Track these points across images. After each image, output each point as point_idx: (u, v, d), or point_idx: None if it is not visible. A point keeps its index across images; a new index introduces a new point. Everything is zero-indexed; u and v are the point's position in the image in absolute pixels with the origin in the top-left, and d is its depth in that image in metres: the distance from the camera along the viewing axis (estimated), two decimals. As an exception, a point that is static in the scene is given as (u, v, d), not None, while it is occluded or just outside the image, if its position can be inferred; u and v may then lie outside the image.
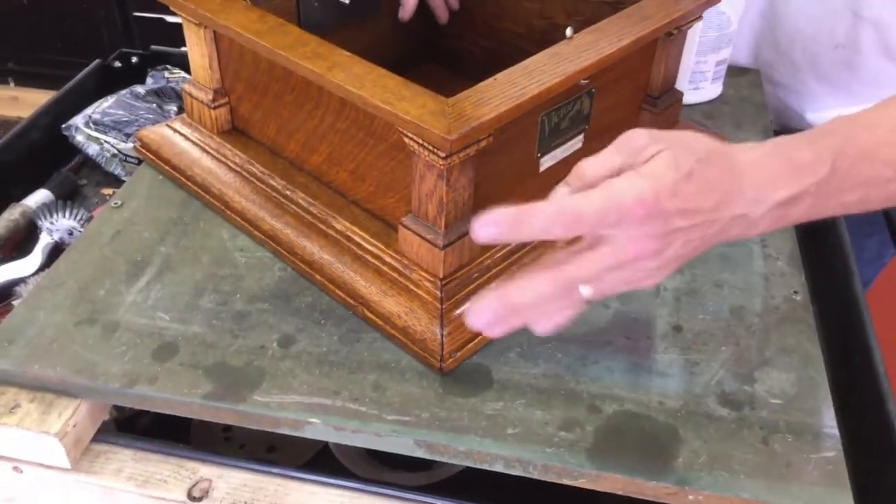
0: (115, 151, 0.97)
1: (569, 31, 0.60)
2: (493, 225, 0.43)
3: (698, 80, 0.86)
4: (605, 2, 0.70)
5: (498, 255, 0.60)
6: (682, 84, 0.81)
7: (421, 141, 0.51)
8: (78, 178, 0.97)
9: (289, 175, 0.66)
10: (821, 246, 0.75)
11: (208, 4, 0.62)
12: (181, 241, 0.67)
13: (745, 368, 0.57)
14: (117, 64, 1.09)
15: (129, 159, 0.97)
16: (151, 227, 0.68)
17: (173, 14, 0.66)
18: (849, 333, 0.65)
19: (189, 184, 0.71)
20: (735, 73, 0.93)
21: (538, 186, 0.63)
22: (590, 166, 0.45)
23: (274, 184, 0.66)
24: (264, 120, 0.68)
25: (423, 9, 0.82)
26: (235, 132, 0.72)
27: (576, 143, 0.65)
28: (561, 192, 0.46)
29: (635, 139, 0.46)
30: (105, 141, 0.97)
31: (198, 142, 0.72)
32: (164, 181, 0.73)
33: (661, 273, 0.46)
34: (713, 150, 0.46)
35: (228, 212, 0.68)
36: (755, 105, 0.89)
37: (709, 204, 0.44)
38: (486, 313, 0.45)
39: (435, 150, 0.50)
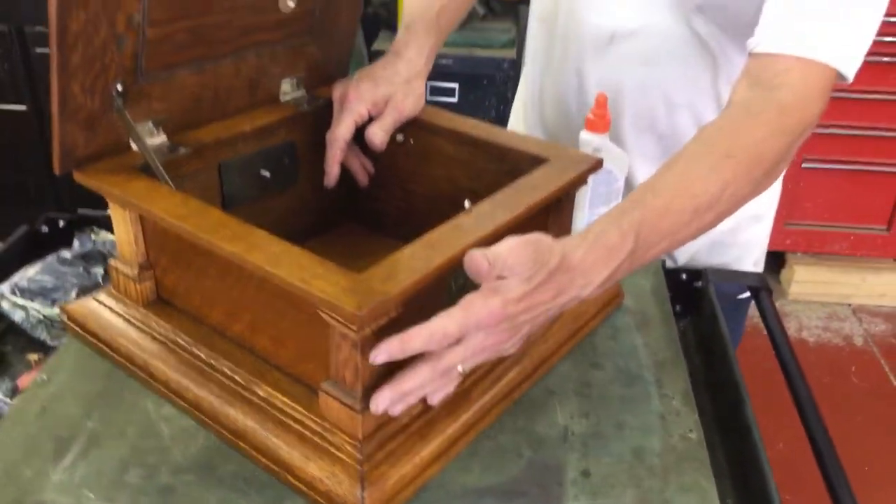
0: (41, 317, 0.97)
1: (467, 204, 0.65)
2: (385, 352, 0.55)
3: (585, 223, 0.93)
4: (502, 171, 0.76)
5: (414, 412, 0.62)
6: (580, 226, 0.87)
7: (335, 316, 0.54)
8: (2, 346, 0.96)
9: (212, 343, 0.68)
10: (717, 376, 0.80)
11: (134, 191, 0.65)
12: (107, 415, 0.67)
13: (648, 509, 0.60)
14: (45, 229, 1.10)
15: (54, 325, 0.98)
16: (77, 401, 0.68)
17: (100, 198, 0.69)
18: (742, 461, 0.69)
19: (114, 355, 0.72)
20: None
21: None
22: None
23: (198, 352, 0.68)
24: (188, 291, 0.71)
25: (343, 172, 0.87)
26: (160, 302, 0.74)
27: (482, 300, 0.69)
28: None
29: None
30: (31, 308, 0.97)
31: (123, 314, 0.73)
32: (90, 353, 0.74)
33: (517, 345, 0.60)
34: (560, 259, 0.58)
35: (153, 382, 0.69)
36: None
37: (548, 297, 0.58)
38: (385, 400, 0.57)
39: (348, 325, 0.53)
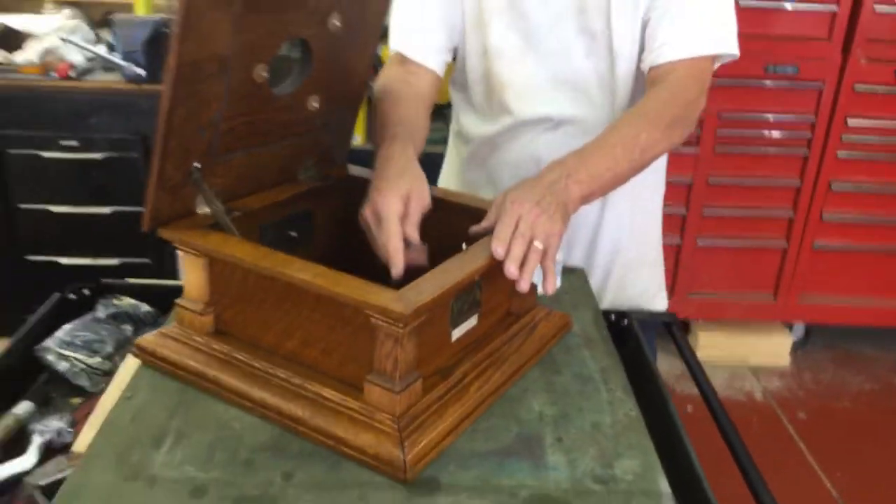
0: (83, 367, 1.14)
1: (464, 246, 0.88)
2: (514, 272, 0.87)
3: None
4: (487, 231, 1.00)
5: (432, 394, 0.83)
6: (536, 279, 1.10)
7: (385, 318, 0.75)
8: (49, 391, 1.12)
9: (268, 358, 0.88)
10: (643, 380, 1.03)
11: (212, 241, 0.86)
12: (187, 418, 0.85)
13: (606, 460, 0.82)
14: (72, 296, 1.27)
15: (95, 373, 1.14)
16: (160, 410, 0.86)
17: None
18: (668, 432, 0.92)
19: (185, 374, 0.90)
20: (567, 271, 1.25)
21: (451, 350, 0.89)
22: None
23: (257, 365, 0.87)
24: (244, 320, 0.90)
25: (343, 233, 1.08)
26: (218, 332, 0.93)
27: (473, 321, 0.92)
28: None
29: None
30: (74, 358, 1.14)
31: (189, 342, 0.92)
32: (161, 376, 0.92)
33: (553, 218, 0.90)
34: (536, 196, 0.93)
35: (222, 391, 0.87)
36: (583, 293, 1.20)
37: (536, 193, 0.92)
38: (516, 275, 0.87)
39: (395, 324, 0.75)
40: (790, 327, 3.07)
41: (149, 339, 0.95)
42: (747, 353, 2.97)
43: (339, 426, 0.81)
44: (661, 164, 1.35)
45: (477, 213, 0.97)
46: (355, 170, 1.13)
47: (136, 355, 0.95)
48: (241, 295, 0.89)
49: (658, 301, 1.40)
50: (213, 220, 0.90)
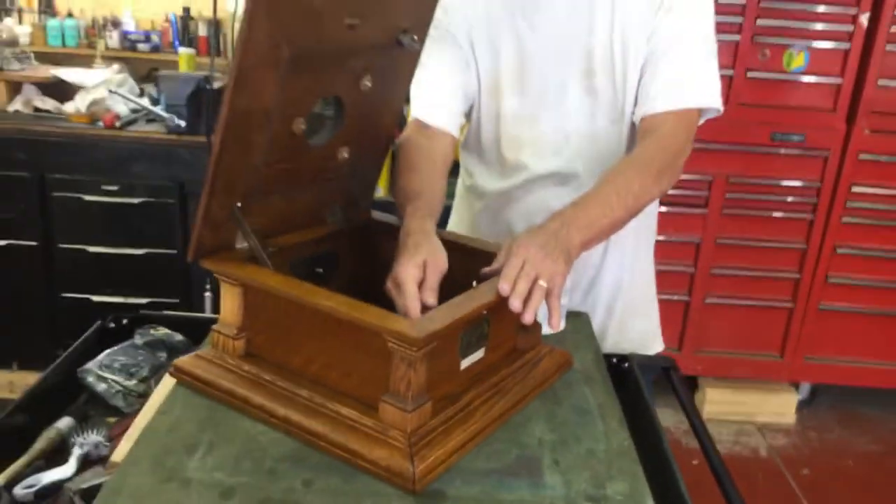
0: (120, 388, 1.22)
1: (475, 283, 0.97)
2: (517, 306, 0.94)
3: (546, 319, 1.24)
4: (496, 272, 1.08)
5: (441, 416, 0.90)
6: (542, 318, 1.18)
7: (400, 343, 0.83)
8: (87, 410, 1.20)
9: (293, 379, 0.96)
10: (639, 418, 1.10)
11: (249, 272, 0.95)
12: (217, 431, 0.93)
13: (599, 482, 0.89)
14: (112, 325, 1.36)
15: (130, 394, 1.22)
16: (193, 423, 0.94)
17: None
18: (660, 463, 0.99)
19: (217, 392, 0.98)
20: (571, 314, 1.33)
21: (460, 378, 0.96)
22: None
23: (283, 385, 0.95)
24: (273, 345, 0.98)
25: (364, 273, 1.17)
26: (249, 355, 1.01)
27: (480, 353, 1.00)
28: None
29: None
30: (112, 380, 1.22)
31: (222, 363, 1.00)
32: (194, 395, 1.00)
33: (557, 261, 0.99)
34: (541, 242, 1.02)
35: (249, 408, 0.95)
36: (585, 335, 1.27)
37: (540, 239, 1.01)
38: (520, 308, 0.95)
39: (409, 348, 0.83)
40: (796, 386, 3.10)
41: (185, 360, 1.03)
42: (754, 411, 3.00)
43: (356, 441, 0.88)
44: (653, 208, 1.44)
45: (487, 256, 1.06)
46: (378, 215, 1.23)
47: (172, 375, 1.03)
48: (272, 321, 0.98)
49: (656, 344, 1.47)
50: (250, 254, 1.00)
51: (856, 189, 2.85)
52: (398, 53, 1.08)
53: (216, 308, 2.54)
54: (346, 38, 0.98)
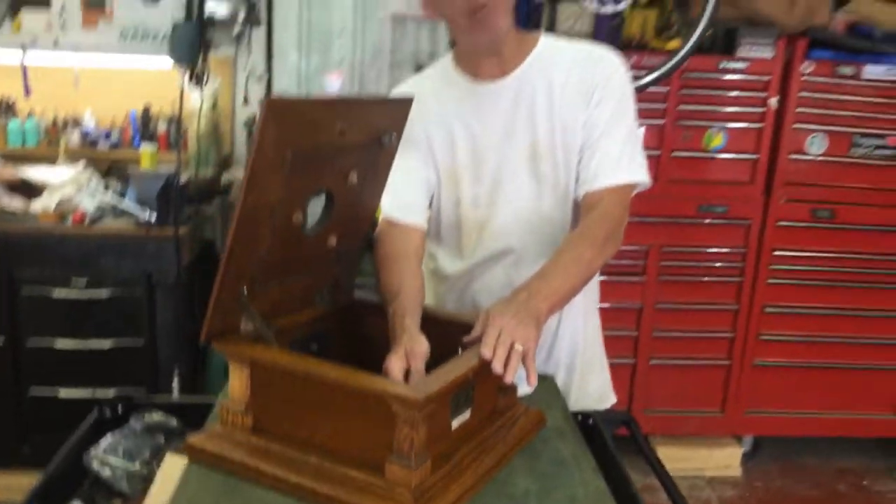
0: (124, 472, 1.27)
1: (460, 350, 1.07)
2: (499, 369, 1.04)
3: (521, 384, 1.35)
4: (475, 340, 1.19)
5: (437, 473, 0.99)
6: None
7: (404, 405, 0.93)
8: (92, 494, 1.24)
9: (302, 448, 1.03)
10: (609, 466, 1.20)
11: (257, 352, 1.04)
12: (233, 500, 0.99)
13: (583, 523, 0.98)
14: (108, 413, 1.41)
15: (133, 478, 1.27)
16: (210, 494, 1.00)
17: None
18: (630, 501, 1.09)
19: (229, 465, 1.05)
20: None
21: (450, 439, 1.06)
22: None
23: (292, 454, 1.03)
24: (279, 418, 1.06)
25: (352, 348, 1.26)
26: (258, 430, 1.08)
27: (466, 414, 1.09)
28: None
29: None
30: (116, 465, 1.27)
31: (233, 438, 1.07)
32: (207, 470, 1.07)
33: (528, 327, 1.09)
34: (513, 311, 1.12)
35: (261, 477, 1.02)
36: (552, 394, 1.38)
37: (512, 309, 1.11)
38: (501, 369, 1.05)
39: (413, 410, 0.92)
40: (739, 439, 3.24)
41: (196, 438, 1.10)
42: (702, 465, 3.12)
43: (366, 500, 0.96)
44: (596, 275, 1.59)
45: (464, 326, 1.17)
46: (360, 294, 1.33)
47: (184, 452, 1.10)
48: (278, 396, 1.06)
49: (612, 397, 1.62)
50: (255, 336, 1.08)
51: (777, 253, 3.07)
52: (379, 151, 1.21)
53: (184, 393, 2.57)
54: (337, 141, 1.10)
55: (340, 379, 0.97)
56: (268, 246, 1.07)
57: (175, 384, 2.57)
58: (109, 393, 2.65)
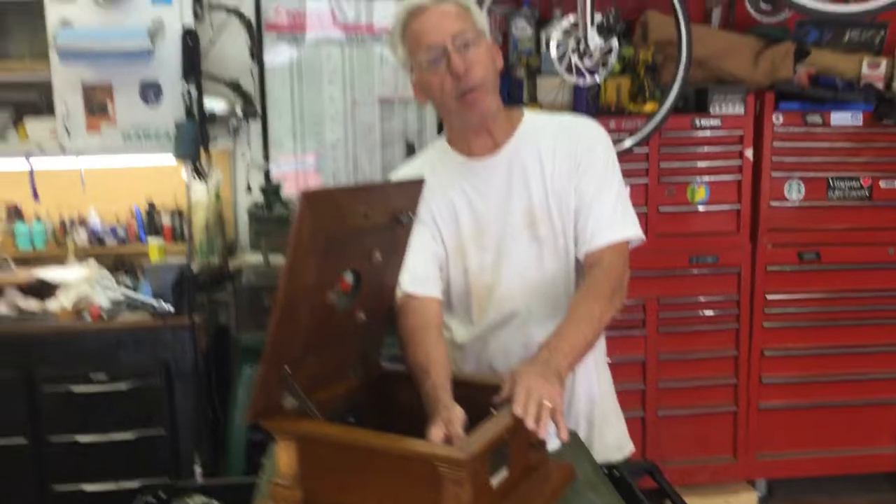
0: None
1: (493, 410, 1.13)
2: (533, 425, 1.12)
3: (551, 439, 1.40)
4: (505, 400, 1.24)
5: (486, 530, 1.04)
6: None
7: (449, 467, 0.98)
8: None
9: (351, 518, 1.08)
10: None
11: (304, 427, 1.09)
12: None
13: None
14: (153, 500, 1.44)
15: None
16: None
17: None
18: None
19: (283, 538, 1.09)
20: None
21: (490, 496, 1.11)
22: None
23: (344, 524, 1.07)
24: (328, 489, 1.11)
25: (384, 416, 1.31)
26: (308, 503, 1.13)
27: (504, 472, 1.14)
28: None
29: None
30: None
31: (284, 513, 1.12)
32: (261, 543, 1.11)
33: (553, 384, 1.18)
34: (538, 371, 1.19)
35: (315, 547, 1.06)
36: (577, 447, 1.43)
37: (536, 368, 1.19)
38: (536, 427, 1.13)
39: (459, 469, 0.98)
40: (753, 483, 3.25)
41: (250, 515, 1.14)
42: (720, 512, 3.13)
43: (418, 560, 1.00)
44: None
45: (488, 388, 1.23)
46: (387, 365, 1.39)
47: (238, 529, 1.14)
48: (327, 467, 1.11)
49: (630, 445, 1.67)
50: (298, 411, 1.14)
51: (769, 297, 3.15)
52: (398, 229, 1.29)
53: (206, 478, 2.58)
54: (361, 223, 1.18)
55: (387, 446, 1.02)
56: (306, 326, 1.14)
57: (197, 469, 2.59)
58: (134, 484, 2.67)
